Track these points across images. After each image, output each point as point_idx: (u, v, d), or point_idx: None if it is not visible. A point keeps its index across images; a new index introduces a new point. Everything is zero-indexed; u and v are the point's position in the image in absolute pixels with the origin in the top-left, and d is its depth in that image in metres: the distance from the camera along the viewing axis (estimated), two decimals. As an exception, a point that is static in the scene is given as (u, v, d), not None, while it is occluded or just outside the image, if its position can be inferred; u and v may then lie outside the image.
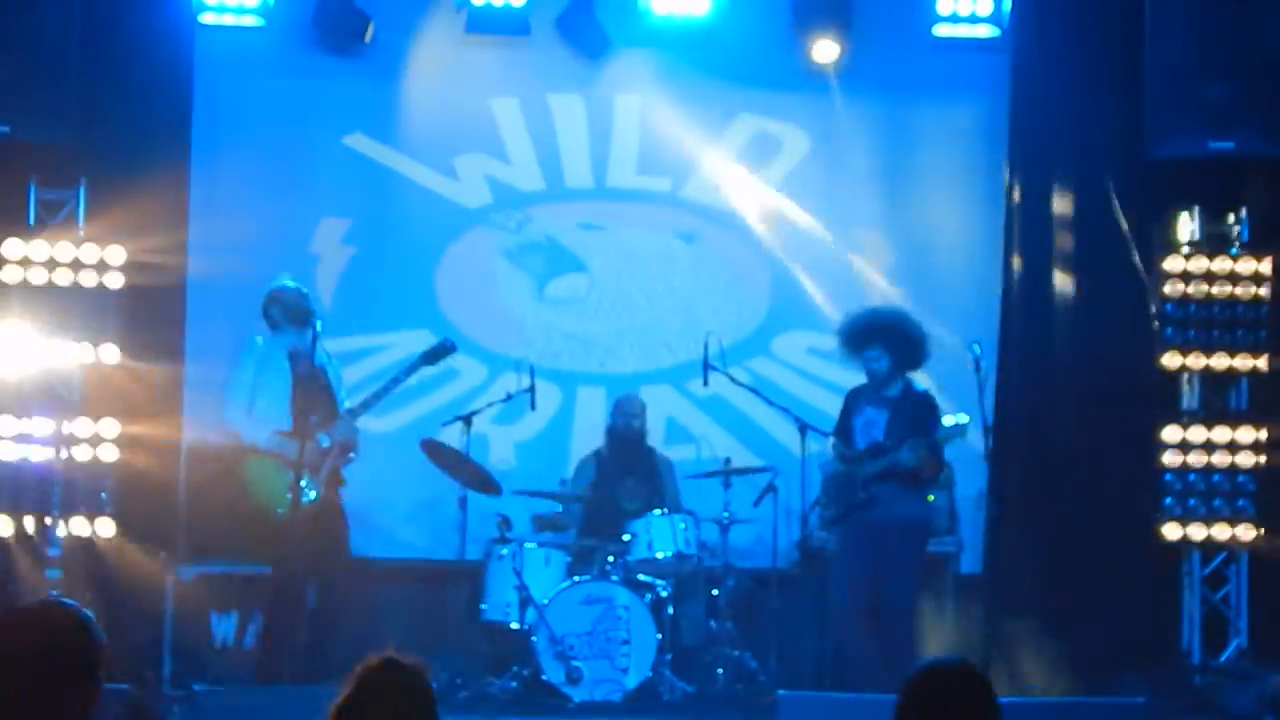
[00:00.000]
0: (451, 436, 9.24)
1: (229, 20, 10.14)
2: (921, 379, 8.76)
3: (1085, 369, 9.60)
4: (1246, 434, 9.54)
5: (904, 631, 8.41)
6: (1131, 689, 8.39)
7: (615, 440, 9.77)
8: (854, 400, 8.78)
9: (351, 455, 8.77)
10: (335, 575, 8.70)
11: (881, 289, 10.32)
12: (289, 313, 8.77)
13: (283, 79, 10.41)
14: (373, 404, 8.81)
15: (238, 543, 9.17)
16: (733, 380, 9.43)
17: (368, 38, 10.17)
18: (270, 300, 8.84)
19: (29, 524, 9.04)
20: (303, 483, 8.42)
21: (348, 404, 8.83)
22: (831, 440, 8.79)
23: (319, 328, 8.67)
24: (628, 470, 9.63)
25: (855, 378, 8.75)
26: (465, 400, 9.84)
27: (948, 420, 8.39)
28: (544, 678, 8.74)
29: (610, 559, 9.11)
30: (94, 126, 9.06)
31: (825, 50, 10.24)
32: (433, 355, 8.91)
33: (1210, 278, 9.59)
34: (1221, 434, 9.54)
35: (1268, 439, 9.54)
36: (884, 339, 8.58)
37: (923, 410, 8.52)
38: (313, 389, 8.74)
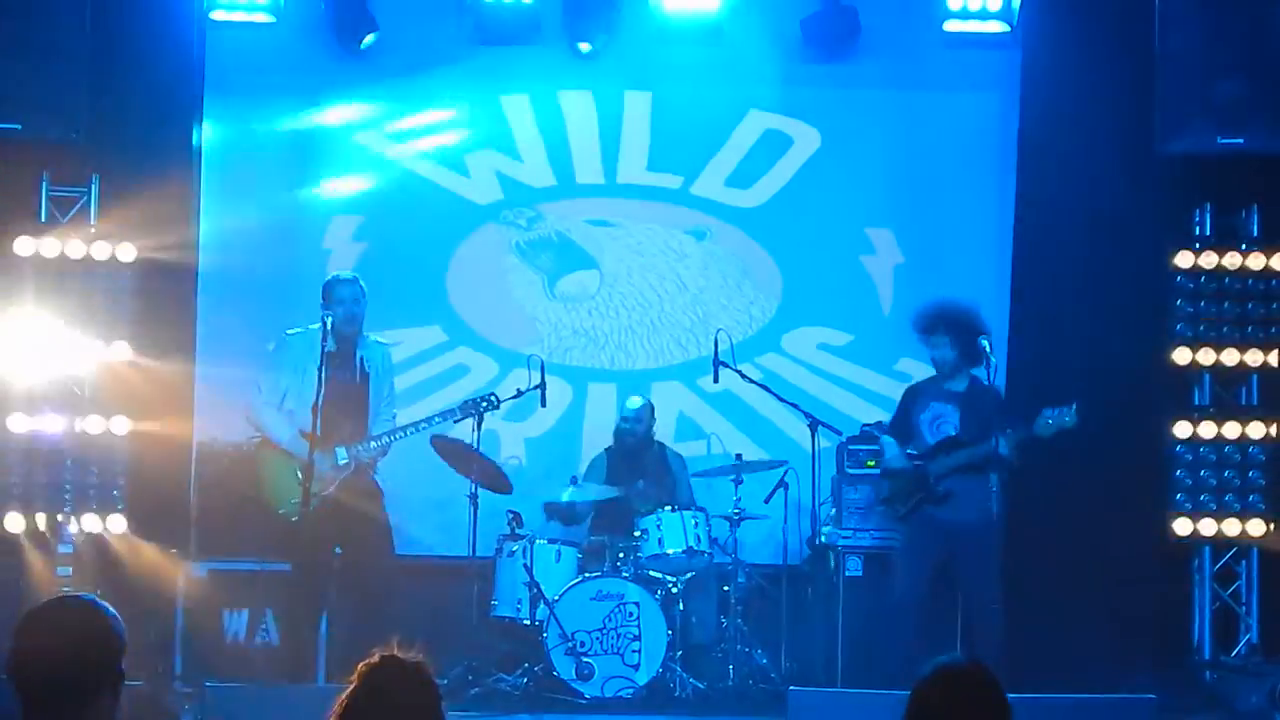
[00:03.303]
0: (462, 433, 9.23)
1: (240, 17, 10.16)
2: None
3: (1096, 365, 9.59)
4: (1257, 429, 9.54)
5: (994, 629, 8.43)
6: (1142, 685, 8.38)
7: (621, 443, 9.78)
8: (915, 397, 8.84)
9: (371, 473, 8.60)
10: (378, 578, 8.55)
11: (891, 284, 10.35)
12: (331, 309, 8.42)
13: (294, 75, 10.41)
14: (399, 438, 8.63)
15: (249, 539, 9.18)
16: (743, 376, 9.42)
17: (366, 42, 10.16)
18: (321, 292, 8.61)
19: (40, 520, 9.06)
20: (311, 490, 8.20)
21: (377, 428, 8.58)
22: (887, 437, 8.82)
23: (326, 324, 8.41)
24: (638, 472, 9.63)
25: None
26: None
27: (1050, 411, 8.36)
28: (555, 674, 8.73)
29: (621, 555, 9.09)
30: (105, 123, 9.06)
31: None
32: (473, 407, 8.77)
33: (1221, 273, 9.59)
34: (1232, 429, 9.55)
35: (1279, 434, 9.54)
36: (950, 330, 8.62)
37: (998, 403, 8.56)
38: (347, 395, 8.46)
